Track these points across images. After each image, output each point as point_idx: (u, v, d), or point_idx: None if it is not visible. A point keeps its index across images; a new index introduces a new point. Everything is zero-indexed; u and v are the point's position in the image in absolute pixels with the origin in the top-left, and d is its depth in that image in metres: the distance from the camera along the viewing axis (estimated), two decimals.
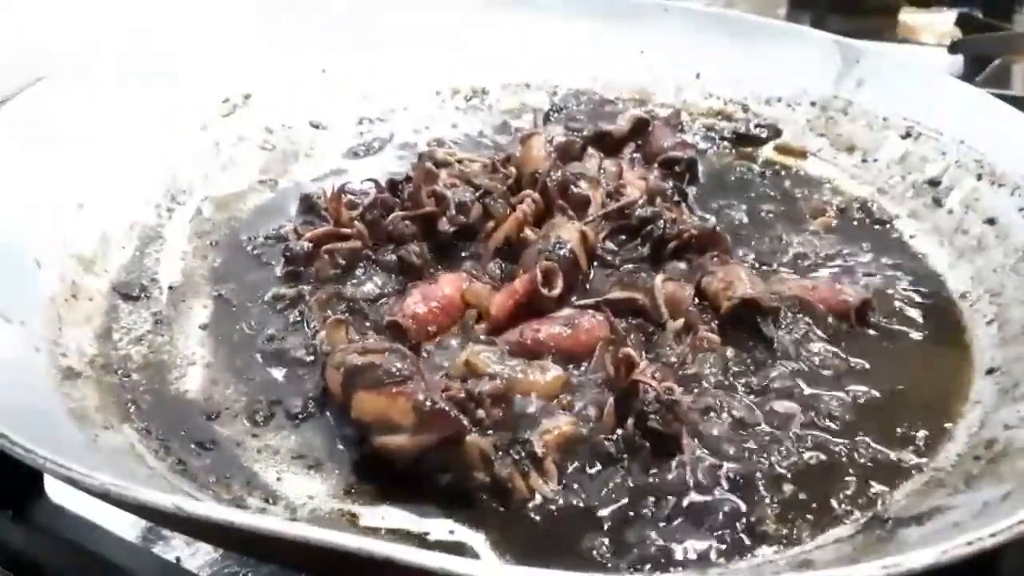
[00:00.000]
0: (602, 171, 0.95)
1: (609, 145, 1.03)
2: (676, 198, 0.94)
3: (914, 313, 0.85)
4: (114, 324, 0.79)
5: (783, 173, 1.07)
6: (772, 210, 0.99)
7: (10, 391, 0.63)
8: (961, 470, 0.67)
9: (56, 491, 0.65)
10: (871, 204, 1.00)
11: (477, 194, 0.87)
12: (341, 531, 0.51)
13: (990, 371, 0.77)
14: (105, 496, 0.49)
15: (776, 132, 1.13)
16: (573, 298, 0.80)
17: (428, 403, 0.62)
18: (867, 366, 0.77)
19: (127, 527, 0.64)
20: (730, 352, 0.75)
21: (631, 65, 1.22)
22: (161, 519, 0.56)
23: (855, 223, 0.98)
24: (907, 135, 1.04)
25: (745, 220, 0.97)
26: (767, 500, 0.64)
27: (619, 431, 0.66)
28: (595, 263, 0.85)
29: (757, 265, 0.89)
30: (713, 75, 1.19)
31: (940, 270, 0.91)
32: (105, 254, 0.85)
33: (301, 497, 0.64)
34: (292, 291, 0.83)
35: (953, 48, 1.34)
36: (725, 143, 1.13)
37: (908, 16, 1.55)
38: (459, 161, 0.95)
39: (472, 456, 0.62)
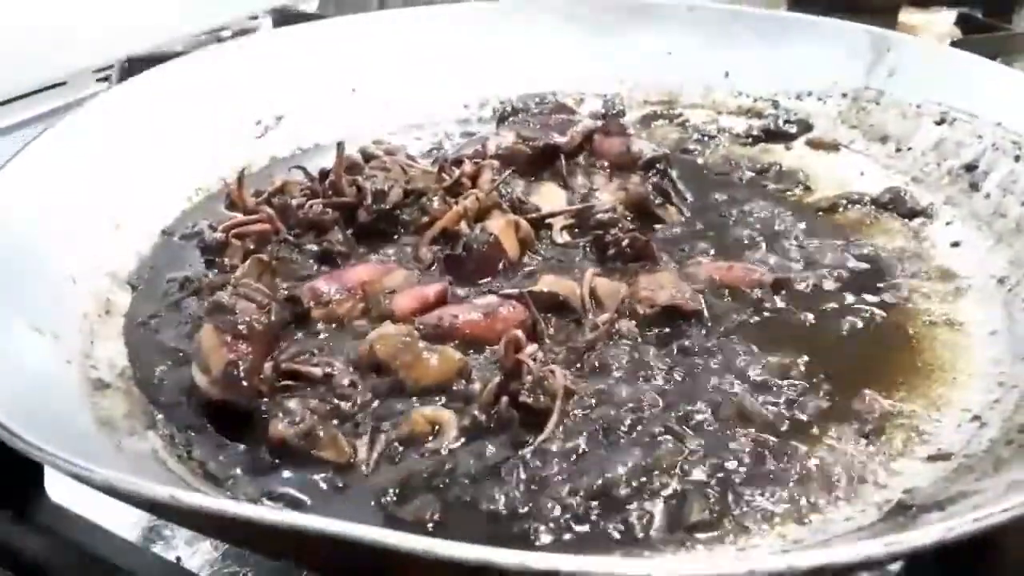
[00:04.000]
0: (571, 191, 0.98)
1: (554, 158, 1.02)
2: (659, 200, 0.95)
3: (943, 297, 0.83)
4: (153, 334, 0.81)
5: (806, 169, 1.06)
6: (784, 208, 0.97)
7: (39, 400, 0.65)
8: (992, 455, 0.64)
9: (57, 491, 0.66)
10: (904, 193, 0.98)
11: (407, 187, 0.91)
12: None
13: None
14: (109, 490, 0.51)
15: (807, 127, 1.12)
16: (497, 285, 0.82)
17: (234, 369, 0.69)
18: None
19: (128, 527, 0.66)
20: (652, 351, 0.75)
21: (659, 67, 1.22)
22: (165, 512, 0.57)
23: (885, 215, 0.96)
24: (941, 121, 1.01)
25: (751, 221, 0.95)
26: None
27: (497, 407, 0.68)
28: (539, 256, 0.89)
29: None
30: (742, 73, 1.18)
31: (978, 254, 0.88)
32: (139, 273, 0.88)
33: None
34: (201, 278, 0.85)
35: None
36: (749, 140, 1.12)
37: (908, 16, 1.52)
38: (409, 163, 0.98)
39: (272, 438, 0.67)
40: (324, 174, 0.95)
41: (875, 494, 0.64)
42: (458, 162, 0.99)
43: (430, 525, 0.61)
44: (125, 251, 0.89)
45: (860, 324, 0.80)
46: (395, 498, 0.63)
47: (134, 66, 1.12)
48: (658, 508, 0.62)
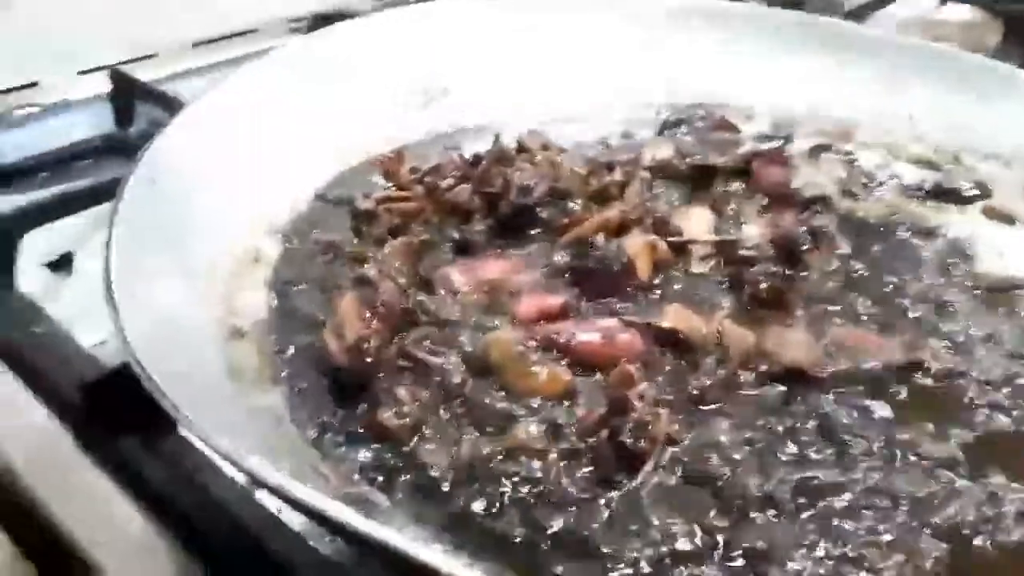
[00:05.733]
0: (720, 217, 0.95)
1: (709, 178, 0.99)
2: (809, 245, 0.90)
3: None
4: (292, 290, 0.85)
5: (975, 239, 0.98)
6: (943, 281, 0.91)
7: (175, 344, 0.69)
8: None
9: None
10: None
11: (554, 184, 0.91)
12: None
13: None
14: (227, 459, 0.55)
15: (986, 192, 1.04)
16: (622, 307, 0.82)
17: (365, 343, 0.72)
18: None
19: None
20: (766, 411, 0.73)
21: (840, 97, 1.16)
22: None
23: None
24: None
25: (901, 288, 0.89)
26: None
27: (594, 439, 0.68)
28: (671, 283, 0.87)
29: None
30: (927, 118, 1.11)
31: None
32: (290, 227, 0.92)
33: None
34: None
35: None
36: (920, 193, 1.05)
37: None
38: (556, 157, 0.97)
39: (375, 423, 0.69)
40: (477, 159, 0.97)
41: None
42: (609, 167, 0.99)
43: (514, 544, 0.63)
44: (279, 205, 0.93)
45: (992, 430, 0.75)
46: (483, 511, 0.65)
47: (316, 23, 1.15)
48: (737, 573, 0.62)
